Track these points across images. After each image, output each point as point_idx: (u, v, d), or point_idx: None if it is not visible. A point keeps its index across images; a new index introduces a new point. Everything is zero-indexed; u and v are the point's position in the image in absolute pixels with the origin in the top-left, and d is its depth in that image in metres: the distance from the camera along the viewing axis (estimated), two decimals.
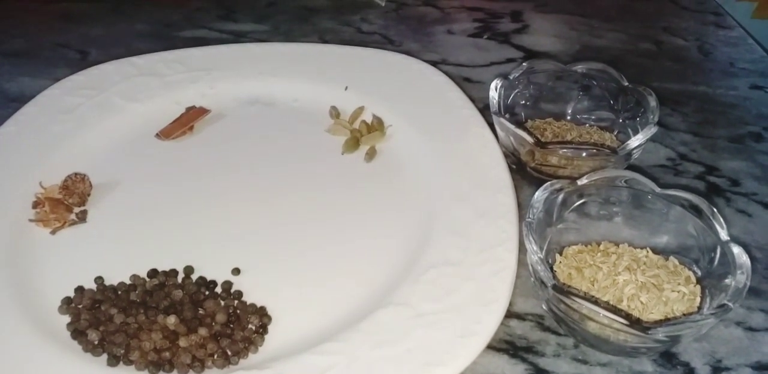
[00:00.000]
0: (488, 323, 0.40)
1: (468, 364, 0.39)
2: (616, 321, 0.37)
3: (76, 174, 0.51)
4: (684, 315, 0.41)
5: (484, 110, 0.56)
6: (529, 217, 0.43)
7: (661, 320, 0.40)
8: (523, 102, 0.56)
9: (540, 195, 0.44)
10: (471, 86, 0.63)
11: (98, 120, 0.57)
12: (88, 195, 0.51)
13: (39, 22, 0.75)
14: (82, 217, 0.50)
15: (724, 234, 0.42)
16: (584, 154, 0.49)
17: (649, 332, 0.37)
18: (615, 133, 0.54)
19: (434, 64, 0.63)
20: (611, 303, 0.41)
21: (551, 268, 0.44)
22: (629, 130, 0.53)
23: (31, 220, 0.49)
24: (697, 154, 0.57)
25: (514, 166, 0.52)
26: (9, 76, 0.66)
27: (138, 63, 0.62)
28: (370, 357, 0.39)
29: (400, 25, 0.73)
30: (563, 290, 0.39)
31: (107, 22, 0.74)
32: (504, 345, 0.43)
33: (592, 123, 0.56)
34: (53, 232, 0.49)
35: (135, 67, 0.61)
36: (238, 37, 0.70)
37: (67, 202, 0.50)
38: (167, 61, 0.62)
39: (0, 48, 0.70)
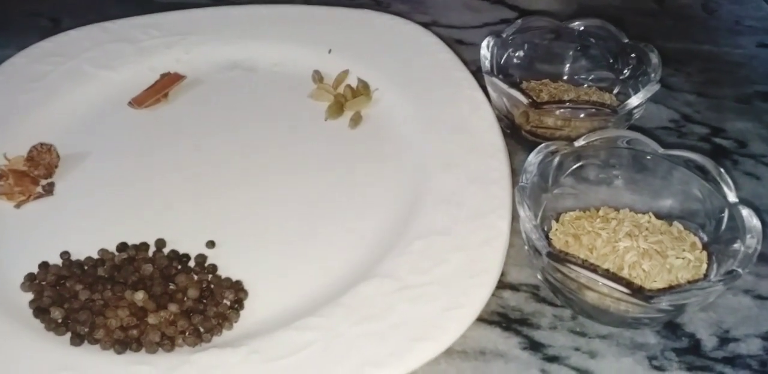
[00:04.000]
0: (478, 294, 0.38)
1: (456, 338, 0.36)
2: (617, 290, 0.34)
3: (42, 144, 0.48)
4: (689, 282, 0.38)
5: (477, 73, 0.53)
6: (522, 182, 0.40)
7: (664, 288, 0.38)
8: (517, 62, 0.52)
9: (534, 158, 0.41)
10: (463, 48, 0.59)
11: (67, 88, 0.53)
12: (56, 166, 0.48)
13: None
14: (48, 190, 0.47)
15: (732, 197, 0.39)
16: (582, 114, 0.46)
17: (652, 301, 0.34)
18: (615, 93, 0.51)
19: (424, 26, 0.60)
20: (611, 271, 0.38)
21: (547, 236, 0.41)
22: (630, 90, 0.50)
23: None
24: (701, 115, 0.54)
25: (507, 130, 0.49)
26: None
27: (110, 28, 0.58)
28: (353, 333, 0.36)
29: None
30: (559, 257, 0.36)
31: None
32: (496, 318, 0.40)
33: (591, 83, 0.53)
34: (18, 206, 0.46)
35: (107, 32, 0.58)
36: (217, 2, 0.67)
37: (32, 174, 0.47)
38: (141, 25, 0.58)
39: None
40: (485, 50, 0.49)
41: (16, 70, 0.55)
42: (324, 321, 0.37)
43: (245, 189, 0.47)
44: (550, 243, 0.37)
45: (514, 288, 0.42)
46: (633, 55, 0.50)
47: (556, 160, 0.42)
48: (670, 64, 0.58)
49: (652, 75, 0.47)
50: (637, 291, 0.34)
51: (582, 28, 0.52)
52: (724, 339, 0.39)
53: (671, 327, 0.40)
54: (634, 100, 0.45)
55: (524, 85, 0.52)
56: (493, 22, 0.64)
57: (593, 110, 0.47)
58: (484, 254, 0.40)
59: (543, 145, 0.41)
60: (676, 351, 0.39)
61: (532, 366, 0.38)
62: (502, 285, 0.41)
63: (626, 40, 0.50)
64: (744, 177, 0.49)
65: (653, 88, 0.45)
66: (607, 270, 0.38)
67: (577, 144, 0.42)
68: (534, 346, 0.39)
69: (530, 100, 0.45)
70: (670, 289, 0.38)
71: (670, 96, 0.56)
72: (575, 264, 0.36)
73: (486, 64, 0.49)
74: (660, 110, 0.54)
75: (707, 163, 0.40)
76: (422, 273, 0.39)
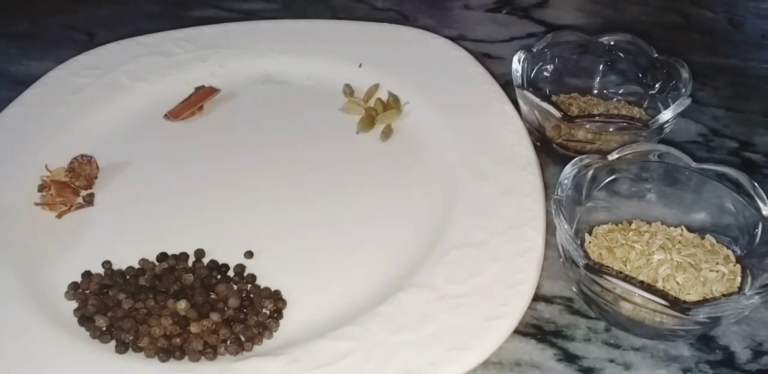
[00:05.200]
0: (516, 305, 0.38)
1: (495, 349, 0.37)
2: (654, 301, 0.34)
3: (82, 156, 0.50)
4: (723, 295, 0.38)
5: (505, 86, 0.54)
6: (557, 194, 0.40)
7: (699, 301, 0.38)
8: (547, 76, 0.53)
9: (569, 170, 0.41)
10: (491, 62, 0.60)
11: (105, 101, 0.55)
12: (95, 177, 0.49)
13: (45, 3, 0.73)
14: (89, 200, 0.48)
15: (766, 211, 0.39)
16: (614, 128, 0.46)
17: (690, 313, 0.34)
18: (644, 108, 0.52)
19: (452, 40, 0.60)
20: (647, 283, 0.39)
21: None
22: (659, 104, 0.51)
23: (36, 204, 0.47)
24: (730, 130, 0.54)
25: (538, 143, 0.50)
26: (15, 59, 0.64)
27: (146, 42, 0.60)
28: (392, 342, 0.37)
29: (415, 0, 0.70)
30: (596, 269, 0.36)
31: (114, 2, 0.72)
32: (531, 330, 0.41)
33: (620, 98, 0.53)
34: (59, 216, 0.47)
35: (142, 46, 0.59)
36: (249, 16, 0.68)
37: (73, 185, 0.48)
38: (176, 39, 0.60)
39: (5, 31, 0.68)
40: (516, 64, 0.50)
41: (56, 82, 0.56)
42: (363, 330, 0.38)
43: (280, 200, 0.47)
44: (587, 255, 0.37)
45: (548, 300, 0.42)
46: (663, 69, 0.50)
47: (590, 173, 0.42)
48: (697, 78, 0.58)
49: (683, 90, 0.48)
50: (675, 303, 0.34)
51: (612, 42, 0.52)
52: (758, 352, 0.40)
53: (705, 340, 0.40)
54: (666, 114, 0.45)
55: (553, 98, 0.53)
56: (520, 36, 0.65)
57: (625, 124, 0.47)
58: (520, 265, 0.40)
59: (577, 158, 0.42)
60: (710, 364, 0.39)
61: None
62: (536, 297, 0.42)
63: (656, 55, 0.51)
64: None
65: (685, 102, 0.46)
66: (643, 282, 0.39)
67: (610, 157, 0.42)
68: (569, 358, 0.39)
69: (563, 114, 0.46)
70: (705, 301, 0.38)
71: (698, 110, 0.56)
72: (613, 275, 0.36)
73: (517, 77, 0.49)
74: (688, 124, 0.55)
75: (741, 177, 0.40)
76: (459, 284, 0.39)
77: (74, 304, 0.41)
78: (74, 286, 0.42)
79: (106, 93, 0.55)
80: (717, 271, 0.39)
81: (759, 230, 0.39)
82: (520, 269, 0.40)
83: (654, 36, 0.63)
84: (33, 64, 0.63)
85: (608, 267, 0.40)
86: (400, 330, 0.37)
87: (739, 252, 0.41)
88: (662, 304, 0.34)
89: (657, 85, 0.51)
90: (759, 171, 0.51)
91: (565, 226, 0.38)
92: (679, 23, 0.67)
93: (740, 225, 0.41)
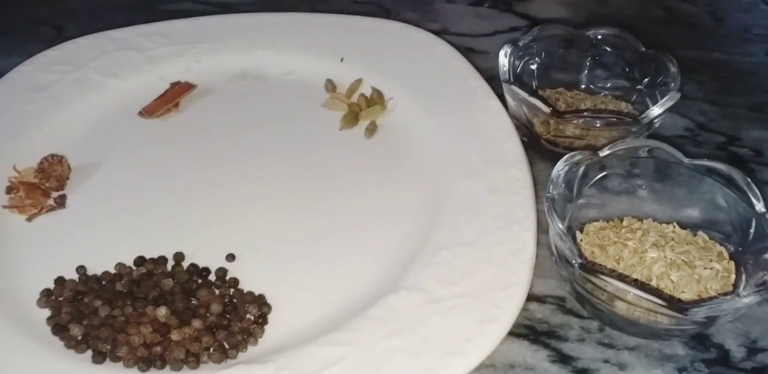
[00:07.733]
0: (509, 307, 0.37)
1: (489, 353, 0.36)
2: (652, 301, 0.34)
3: (52, 155, 0.47)
4: (719, 293, 0.38)
5: (490, 81, 0.53)
6: (550, 192, 0.39)
7: (696, 300, 0.37)
8: (533, 70, 0.52)
9: (561, 167, 0.40)
10: (474, 56, 0.59)
11: (75, 98, 0.52)
12: (67, 178, 0.47)
13: None
14: (60, 202, 0.46)
15: (760, 207, 0.39)
16: (601, 124, 0.46)
17: (687, 313, 0.34)
18: (631, 103, 0.51)
19: (434, 34, 0.59)
20: (641, 282, 0.38)
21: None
22: (647, 99, 0.50)
23: (4, 207, 0.45)
24: (716, 124, 0.54)
25: (525, 139, 0.49)
26: None
27: (117, 37, 0.57)
28: (383, 347, 0.36)
29: None
30: (591, 269, 0.35)
31: None
32: (524, 331, 0.40)
33: (607, 92, 0.52)
34: (29, 219, 0.45)
35: (114, 41, 0.57)
36: (225, 9, 0.66)
37: (43, 187, 0.46)
38: (149, 34, 0.58)
39: None
40: (503, 58, 0.49)
41: (23, 78, 0.53)
42: (353, 335, 0.36)
43: (262, 201, 0.46)
44: (581, 254, 0.37)
45: (540, 300, 0.41)
46: (650, 64, 0.49)
47: (581, 169, 0.42)
48: (681, 72, 0.58)
49: (671, 84, 0.47)
50: (673, 303, 0.34)
51: (599, 36, 0.51)
52: (753, 350, 0.39)
53: (699, 338, 0.39)
54: (657, 109, 0.45)
55: (539, 94, 0.52)
56: (503, 30, 0.64)
57: (615, 119, 0.47)
58: (512, 266, 0.39)
59: (569, 155, 0.41)
60: (705, 363, 0.38)
61: None
62: (528, 297, 0.40)
63: (643, 49, 0.50)
64: (761, 186, 0.47)
65: (675, 96, 0.45)
66: (637, 281, 0.38)
67: (601, 153, 0.42)
68: (563, 359, 0.38)
69: (552, 109, 0.45)
70: (701, 300, 0.37)
71: (684, 104, 0.55)
72: (609, 275, 0.35)
73: (504, 72, 0.48)
74: (674, 119, 0.54)
75: (733, 173, 0.40)
76: (451, 285, 0.38)
77: (47, 312, 0.39)
78: (47, 293, 0.40)
79: (76, 89, 0.53)
80: (711, 269, 0.39)
81: (752, 227, 0.39)
82: (513, 270, 0.39)
83: (638, 30, 0.62)
84: None
85: (602, 266, 0.39)
86: (391, 335, 0.36)
87: (732, 248, 0.40)
88: (659, 304, 0.34)
89: (645, 80, 0.50)
90: (745, 166, 0.50)
91: (559, 225, 0.37)
92: (662, 17, 0.66)
93: (733, 221, 0.40)
